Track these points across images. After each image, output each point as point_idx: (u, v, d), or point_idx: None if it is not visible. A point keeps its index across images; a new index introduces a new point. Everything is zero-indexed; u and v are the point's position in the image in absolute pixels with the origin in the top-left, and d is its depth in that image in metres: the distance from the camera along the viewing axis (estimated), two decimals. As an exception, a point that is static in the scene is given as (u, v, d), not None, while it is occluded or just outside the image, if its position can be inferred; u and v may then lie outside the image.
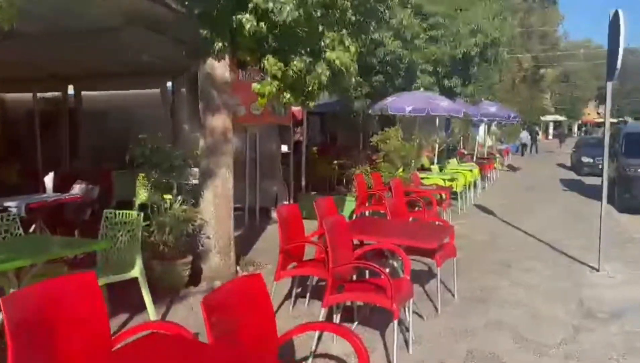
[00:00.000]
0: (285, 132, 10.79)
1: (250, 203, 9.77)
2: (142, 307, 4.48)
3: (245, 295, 2.24)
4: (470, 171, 12.51)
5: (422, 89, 10.58)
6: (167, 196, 6.14)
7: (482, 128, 25.77)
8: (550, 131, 60.43)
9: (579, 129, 70.38)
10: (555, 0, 44.64)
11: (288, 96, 5.92)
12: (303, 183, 10.27)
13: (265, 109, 8.78)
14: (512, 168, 21.81)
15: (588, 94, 63.82)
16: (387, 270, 4.32)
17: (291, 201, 10.02)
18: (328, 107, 10.38)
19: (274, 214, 10.05)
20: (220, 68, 5.67)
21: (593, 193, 14.53)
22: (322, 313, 3.70)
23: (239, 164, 9.27)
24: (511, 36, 12.24)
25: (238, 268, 6.10)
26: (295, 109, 13.56)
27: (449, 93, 12.38)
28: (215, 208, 5.74)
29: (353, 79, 6.13)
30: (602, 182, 6.91)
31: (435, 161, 13.24)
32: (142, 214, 4.21)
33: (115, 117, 12.05)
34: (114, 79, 11.05)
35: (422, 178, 10.15)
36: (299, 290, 5.19)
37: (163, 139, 5.94)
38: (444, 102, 9.73)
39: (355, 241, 4.41)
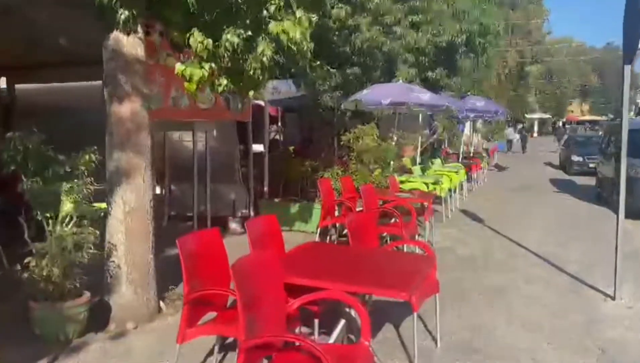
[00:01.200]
0: (255, 130, 9.46)
1: (201, 212, 8.46)
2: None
3: None
4: (456, 172, 11.31)
5: (401, 81, 9.34)
6: (102, 206, 4.84)
7: (467, 126, 24.68)
8: (535, 128, 59.82)
9: (563, 126, 69.96)
10: (540, -5, 43.78)
11: (224, 82, 4.62)
12: (265, 188, 8.95)
13: (217, 102, 7.47)
14: (499, 167, 20.72)
15: (571, 91, 63.42)
16: (342, 324, 3.04)
17: (251, 209, 8.70)
18: (292, 101, 9.04)
19: (233, 225, 8.75)
20: (130, 44, 4.33)
21: (586, 194, 13.47)
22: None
23: (188, 167, 7.96)
24: (498, 26, 11.01)
25: (162, 303, 4.77)
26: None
27: (433, 86, 11.17)
28: (126, 227, 4.41)
29: (307, 62, 4.82)
30: (614, 190, 5.66)
31: (418, 161, 12.01)
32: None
33: (57, 114, 10.58)
34: (50, 70, 9.62)
35: (402, 182, 8.90)
36: (229, 340, 3.89)
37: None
38: (425, 95, 8.49)
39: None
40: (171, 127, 8.07)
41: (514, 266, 6.48)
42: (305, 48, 4.53)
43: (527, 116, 49.53)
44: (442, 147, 19.73)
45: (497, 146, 24.89)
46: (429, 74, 10.65)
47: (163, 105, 6.75)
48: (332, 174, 8.05)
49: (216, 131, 8.49)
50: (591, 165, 18.47)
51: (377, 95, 8.64)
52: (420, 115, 16.17)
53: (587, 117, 67.13)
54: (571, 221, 9.66)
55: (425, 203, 7.18)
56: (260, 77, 4.57)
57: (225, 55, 4.20)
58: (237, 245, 6.86)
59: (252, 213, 8.71)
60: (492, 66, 25.26)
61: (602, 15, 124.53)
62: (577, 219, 9.93)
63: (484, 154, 19.10)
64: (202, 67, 4.28)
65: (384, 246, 4.79)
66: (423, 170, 10.82)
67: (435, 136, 19.85)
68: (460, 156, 15.68)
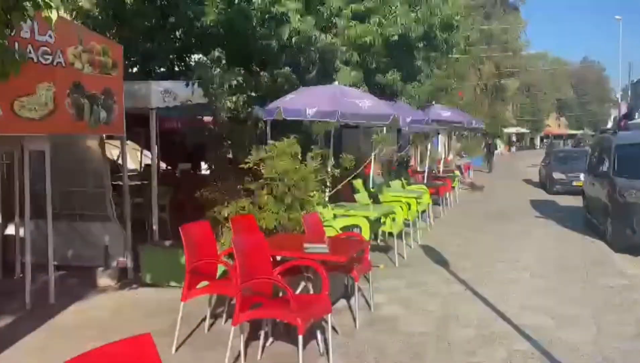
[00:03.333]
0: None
1: (61, 260, 6.17)
2: None
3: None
4: (417, 198, 9.13)
5: (337, 83, 7.16)
6: None
7: (440, 140, 22.68)
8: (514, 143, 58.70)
9: (541, 141, 69.30)
10: (517, 6, 42.63)
11: None
12: (154, 226, 6.61)
13: (58, 110, 5.16)
14: (473, 186, 18.67)
15: (548, 106, 62.66)
16: None
17: (128, 257, 6.34)
18: (184, 111, 6.69)
19: (102, 280, 6.39)
20: None
21: (573, 220, 11.44)
22: None
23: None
24: (460, 18, 8.96)
25: None
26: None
27: (386, 93, 9.04)
28: None
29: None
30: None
31: (372, 183, 9.82)
32: None
33: None
34: None
35: (337, 216, 6.67)
36: None
37: None
38: (364, 102, 6.30)
39: None
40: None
41: (487, 358, 4.24)
42: None
43: (505, 130, 48.16)
44: (410, 164, 17.68)
45: (472, 163, 22.88)
46: (379, 77, 8.51)
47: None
48: (237, 209, 5.77)
49: (71, 150, 6.20)
50: (574, 183, 16.68)
51: (302, 102, 6.41)
52: (385, 129, 14.09)
53: (565, 131, 66.45)
54: (562, 265, 7.47)
55: (359, 251, 4.93)
56: None
57: None
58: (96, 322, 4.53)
59: (130, 263, 6.37)
60: (464, 75, 23.46)
61: (578, 30, 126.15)
62: (569, 261, 7.77)
63: (457, 172, 17.05)
64: None
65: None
66: (375, 196, 8.61)
67: (403, 152, 17.78)
68: (426, 175, 13.52)
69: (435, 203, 12.04)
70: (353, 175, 6.58)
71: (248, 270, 3.66)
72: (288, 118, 6.45)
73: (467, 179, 19.42)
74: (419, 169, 16.54)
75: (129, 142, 12.65)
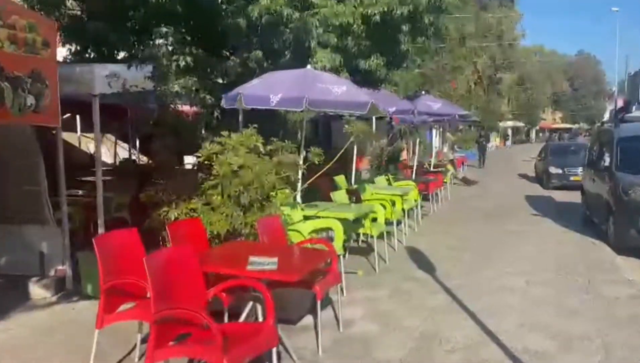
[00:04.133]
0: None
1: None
2: None
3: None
4: (402, 196, 8.36)
5: (309, 67, 6.33)
6: None
7: (434, 133, 21.89)
8: (510, 136, 58.01)
9: (536, 134, 68.71)
10: (513, -1, 41.68)
11: None
12: (100, 230, 5.79)
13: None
14: (467, 181, 17.90)
15: (544, 99, 61.99)
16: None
17: (67, 265, 5.53)
18: (128, 98, 5.83)
19: (36, 291, 5.60)
20: None
21: (571, 218, 10.69)
22: None
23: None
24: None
25: None
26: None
27: (369, 80, 8.23)
28: None
29: None
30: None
31: (353, 179, 9.04)
32: None
33: None
34: None
35: (307, 218, 5.87)
36: None
37: None
38: (339, 87, 5.49)
39: None
40: None
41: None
42: None
43: (501, 124, 47.44)
44: (402, 159, 16.87)
45: (466, 157, 22.12)
46: (361, 62, 7.72)
47: None
48: (184, 211, 4.98)
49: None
50: (572, 178, 16.02)
51: (266, 88, 5.61)
52: (374, 120, 13.26)
53: (560, 125, 65.88)
54: (562, 271, 6.66)
55: (317, 267, 4.14)
56: None
57: None
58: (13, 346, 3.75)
59: (70, 271, 5.57)
60: (457, 65, 22.66)
61: (574, 24, 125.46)
62: (568, 265, 6.97)
63: (450, 167, 16.28)
64: None
65: None
66: (354, 194, 7.81)
67: (395, 145, 16.98)
68: (414, 170, 12.74)
69: (425, 199, 11.31)
70: (322, 171, 5.77)
71: (169, 294, 2.87)
72: (249, 107, 5.65)
73: (460, 174, 18.65)
74: (410, 163, 15.77)
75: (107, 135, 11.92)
